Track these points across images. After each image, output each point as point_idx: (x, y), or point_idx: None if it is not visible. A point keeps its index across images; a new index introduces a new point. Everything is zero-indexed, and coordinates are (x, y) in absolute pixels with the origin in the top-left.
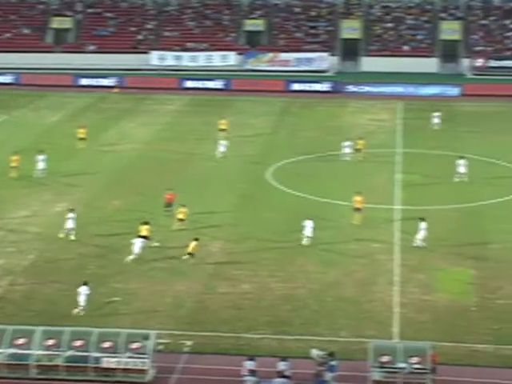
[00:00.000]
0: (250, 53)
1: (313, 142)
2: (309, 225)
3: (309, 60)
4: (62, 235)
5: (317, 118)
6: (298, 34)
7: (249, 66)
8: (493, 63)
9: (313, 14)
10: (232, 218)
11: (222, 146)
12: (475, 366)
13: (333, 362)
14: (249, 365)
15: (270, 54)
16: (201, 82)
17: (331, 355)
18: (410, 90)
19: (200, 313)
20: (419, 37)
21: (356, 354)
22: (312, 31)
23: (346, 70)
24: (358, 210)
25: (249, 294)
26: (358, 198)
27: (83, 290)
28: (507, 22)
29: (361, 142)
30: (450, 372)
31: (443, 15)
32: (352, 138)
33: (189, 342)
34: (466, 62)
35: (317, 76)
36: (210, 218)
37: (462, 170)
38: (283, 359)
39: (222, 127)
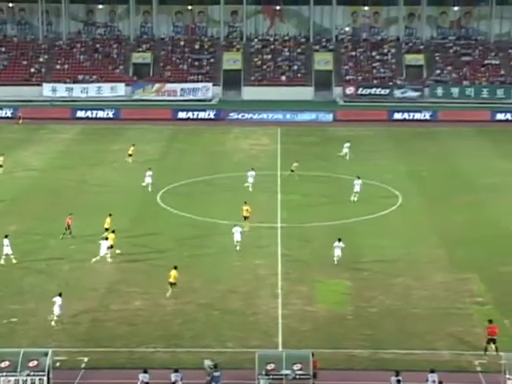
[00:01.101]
0: (138, 84)
1: (200, 166)
2: (237, 231)
3: (194, 90)
4: (2, 262)
5: (203, 143)
6: (183, 66)
7: (137, 97)
8: (362, 91)
9: (196, 47)
10: (124, 240)
11: (148, 177)
12: (353, 369)
13: (216, 373)
14: (143, 377)
15: (157, 85)
16: (92, 112)
17: (216, 366)
18: (288, 116)
19: (96, 330)
20: (295, 67)
21: (243, 363)
22: (196, 63)
23: (229, 98)
24: (246, 218)
25: (141, 310)
26: (246, 207)
27: (58, 301)
28: (374, 53)
29: (295, 164)
30: (329, 376)
31: (316, 47)
32: (255, 168)
33: (85, 359)
34: (338, 90)
35: (201, 105)
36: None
37: (356, 188)
38: (175, 371)
39: (130, 153)
